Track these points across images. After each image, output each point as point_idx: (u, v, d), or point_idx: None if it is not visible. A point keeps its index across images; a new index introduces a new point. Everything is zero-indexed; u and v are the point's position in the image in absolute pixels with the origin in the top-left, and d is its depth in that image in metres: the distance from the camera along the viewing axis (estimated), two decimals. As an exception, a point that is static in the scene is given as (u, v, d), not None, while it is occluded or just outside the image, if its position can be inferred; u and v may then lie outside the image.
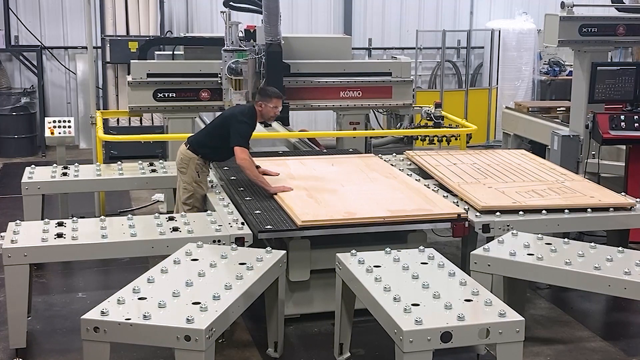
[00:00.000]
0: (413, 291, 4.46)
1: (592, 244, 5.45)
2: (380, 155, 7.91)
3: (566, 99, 10.35)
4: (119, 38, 12.04)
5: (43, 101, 12.75)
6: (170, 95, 8.16)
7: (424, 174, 7.26)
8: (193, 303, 4.26)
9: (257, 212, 5.87)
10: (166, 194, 8.79)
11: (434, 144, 9.18)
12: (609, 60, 9.42)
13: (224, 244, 5.40)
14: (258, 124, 8.63)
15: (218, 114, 10.06)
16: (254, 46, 8.06)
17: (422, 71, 14.57)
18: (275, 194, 6.27)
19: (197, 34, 12.28)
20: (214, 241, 5.40)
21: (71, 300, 6.50)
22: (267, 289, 5.06)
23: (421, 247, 5.18)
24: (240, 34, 8.17)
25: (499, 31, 13.76)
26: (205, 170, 6.59)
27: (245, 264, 4.89)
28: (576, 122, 8.32)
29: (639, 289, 4.83)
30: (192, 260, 4.99)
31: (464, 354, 5.26)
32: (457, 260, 6.67)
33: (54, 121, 8.31)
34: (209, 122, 6.99)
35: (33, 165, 7.27)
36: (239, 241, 5.44)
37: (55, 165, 7.35)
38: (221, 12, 8.38)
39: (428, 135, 8.91)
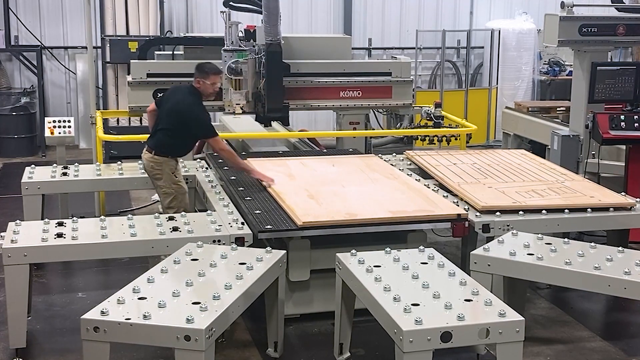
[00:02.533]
0: (413, 291, 4.46)
1: (592, 244, 5.45)
2: (380, 155, 7.91)
3: (566, 99, 10.34)
4: (119, 38, 12.04)
5: (43, 101, 12.74)
6: (170, 95, 8.14)
7: (424, 174, 7.25)
8: (193, 303, 4.26)
9: (257, 212, 5.87)
10: (166, 194, 8.78)
11: (434, 144, 9.17)
12: (609, 60, 9.42)
13: (224, 244, 5.40)
14: (257, 124, 8.70)
15: (218, 114, 10.09)
16: (254, 46, 8.06)
17: (422, 71, 14.56)
18: (261, 181, 6.45)
19: (197, 34, 12.27)
20: (214, 241, 5.40)
21: (71, 300, 6.50)
22: (267, 289, 5.06)
23: (421, 247, 5.18)
24: (240, 34, 8.17)
25: (499, 31, 13.76)
26: (179, 167, 6.62)
27: (245, 264, 4.89)
28: (576, 122, 8.32)
29: (639, 289, 4.83)
30: (192, 260, 4.99)
31: (464, 354, 5.25)
32: (457, 260, 6.67)
33: (54, 121, 8.30)
34: (158, 123, 6.57)
35: (33, 165, 7.27)
36: (239, 241, 5.43)
37: (55, 165, 7.35)
38: (221, 12, 8.37)
39: (428, 135, 8.91)
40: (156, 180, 6.47)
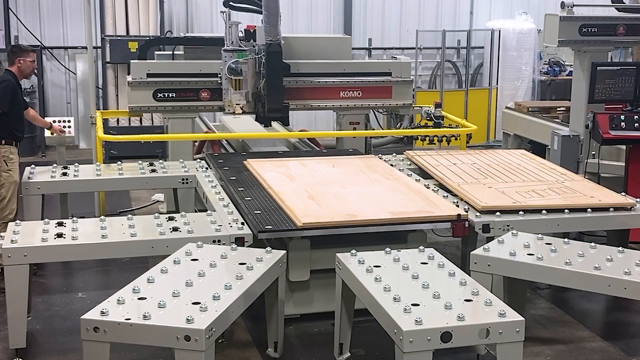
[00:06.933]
0: (413, 291, 4.46)
1: (592, 244, 5.45)
2: (380, 155, 7.91)
3: (566, 99, 10.34)
4: (119, 38, 12.05)
5: (43, 101, 12.75)
6: (170, 95, 8.15)
7: (424, 174, 7.25)
8: (193, 303, 4.26)
9: (257, 212, 5.87)
10: (166, 194, 8.79)
11: (434, 144, 9.16)
12: (609, 60, 9.42)
13: (224, 244, 5.40)
14: (257, 124, 8.69)
15: (218, 114, 10.09)
16: (254, 46, 8.05)
17: (422, 71, 14.57)
18: None
19: (197, 34, 12.28)
20: (214, 241, 5.40)
21: (71, 300, 6.50)
22: (267, 289, 5.06)
23: (421, 247, 5.18)
24: (240, 34, 8.17)
25: (499, 31, 13.76)
26: (14, 157, 6.90)
27: (245, 264, 4.89)
28: (576, 122, 8.32)
29: (639, 289, 4.83)
30: (192, 260, 4.99)
31: (464, 354, 5.26)
32: (457, 260, 6.67)
33: (54, 121, 8.31)
34: None
35: (33, 165, 7.26)
36: (239, 241, 5.43)
37: (55, 165, 7.35)
38: (221, 12, 8.38)
39: (428, 135, 8.91)
40: None
